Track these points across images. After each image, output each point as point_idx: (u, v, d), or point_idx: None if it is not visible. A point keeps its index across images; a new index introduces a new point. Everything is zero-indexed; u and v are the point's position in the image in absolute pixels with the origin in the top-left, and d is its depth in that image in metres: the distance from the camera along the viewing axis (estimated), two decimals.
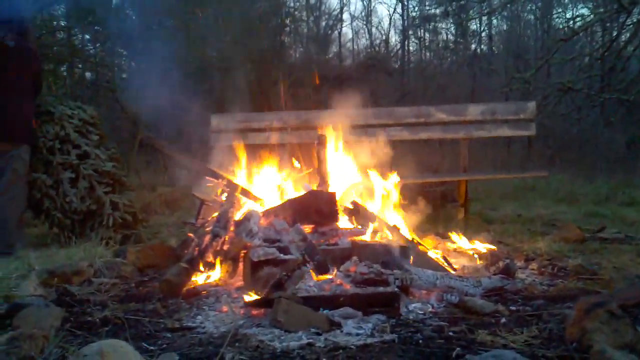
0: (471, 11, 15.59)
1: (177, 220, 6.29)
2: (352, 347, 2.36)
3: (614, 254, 4.54)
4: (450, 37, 21.23)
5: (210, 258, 3.70)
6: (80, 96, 12.11)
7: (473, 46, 20.45)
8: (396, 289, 3.06)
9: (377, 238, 3.89)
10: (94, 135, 5.59)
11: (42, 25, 10.72)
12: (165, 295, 3.32)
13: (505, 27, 20.46)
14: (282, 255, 3.39)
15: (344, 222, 4.18)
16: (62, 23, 12.55)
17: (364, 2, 21.32)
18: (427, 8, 21.14)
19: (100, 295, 3.35)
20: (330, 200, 4.08)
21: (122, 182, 5.61)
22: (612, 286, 3.37)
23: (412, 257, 3.64)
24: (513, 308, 3.03)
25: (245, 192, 4.42)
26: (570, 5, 18.91)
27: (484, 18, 18.95)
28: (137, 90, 5.76)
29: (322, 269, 3.36)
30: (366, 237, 3.88)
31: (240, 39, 10.22)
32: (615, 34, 12.28)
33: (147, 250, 4.29)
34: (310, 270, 3.31)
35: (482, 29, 20.24)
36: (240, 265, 3.69)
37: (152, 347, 2.41)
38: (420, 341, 2.44)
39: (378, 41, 21.17)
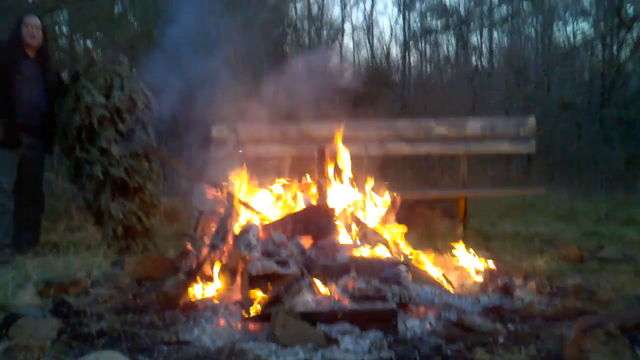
0: (472, 24, 15.68)
1: (176, 231, 6.28)
2: None
3: (613, 273, 4.53)
4: (451, 50, 21.29)
5: (208, 271, 3.69)
6: None
7: (473, 60, 20.50)
8: (394, 306, 3.05)
9: (376, 253, 3.88)
10: (122, 124, 5.22)
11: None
12: (163, 308, 3.31)
13: (506, 41, 20.50)
14: (280, 269, 3.39)
15: (342, 236, 4.18)
16: (64, 29, 12.57)
17: (365, 14, 21.28)
18: (429, 21, 21.25)
19: (97, 306, 3.34)
20: (329, 214, 4.07)
21: (128, 188, 5.26)
22: (610, 306, 3.37)
23: (410, 274, 3.62)
24: (511, 327, 3.02)
25: (245, 204, 4.42)
26: (570, 20, 19.00)
27: (485, 32, 19.03)
28: None
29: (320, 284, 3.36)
30: (365, 253, 3.87)
31: (241, 48, 10.26)
32: (615, 49, 12.35)
33: (145, 262, 4.27)
34: (311, 284, 3.31)
35: (482, 42, 20.31)
36: (238, 278, 3.68)
37: None
38: (418, 359, 2.43)
39: (379, 53, 21.20)
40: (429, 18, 21.12)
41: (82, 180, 5.27)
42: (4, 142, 4.94)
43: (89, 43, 5.85)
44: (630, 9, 10.35)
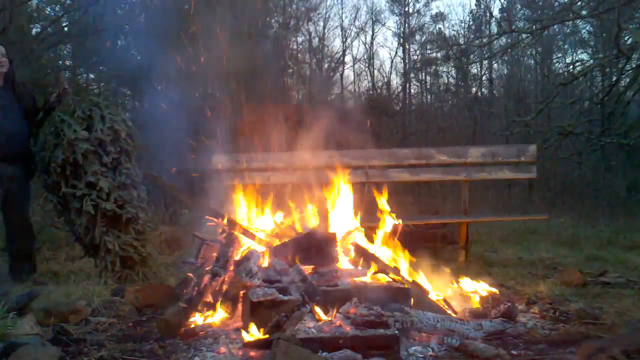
0: (472, 55, 15.82)
1: (177, 259, 6.26)
2: None
3: (616, 298, 4.51)
4: (452, 80, 21.45)
5: (209, 298, 3.67)
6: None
7: (474, 89, 20.64)
8: (396, 332, 3.03)
9: (378, 280, 3.87)
10: (107, 156, 5.10)
11: (48, 64, 10.86)
12: (163, 336, 3.29)
13: (505, 71, 20.65)
14: (281, 295, 3.37)
15: (344, 263, 4.16)
16: (68, 62, 12.71)
17: (366, 45, 21.49)
18: (429, 52, 21.45)
19: (97, 335, 3.32)
20: (330, 240, 4.06)
21: (120, 219, 5.15)
22: (614, 331, 3.34)
23: (412, 299, 3.61)
24: (514, 352, 3.00)
25: (246, 232, 4.41)
26: (569, 51, 19.16)
27: (485, 62, 19.17)
28: (140, 128, 5.73)
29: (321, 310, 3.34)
30: (366, 279, 3.86)
31: (243, 79, 10.36)
32: (614, 79, 12.41)
33: (146, 290, 4.26)
34: (312, 311, 3.29)
35: (482, 72, 20.45)
36: (240, 305, 3.66)
37: None
38: None
39: (380, 83, 21.36)
40: (428, 50, 21.39)
41: (70, 215, 5.18)
42: None
43: (62, 75, 5.78)
44: (628, 40, 10.43)
